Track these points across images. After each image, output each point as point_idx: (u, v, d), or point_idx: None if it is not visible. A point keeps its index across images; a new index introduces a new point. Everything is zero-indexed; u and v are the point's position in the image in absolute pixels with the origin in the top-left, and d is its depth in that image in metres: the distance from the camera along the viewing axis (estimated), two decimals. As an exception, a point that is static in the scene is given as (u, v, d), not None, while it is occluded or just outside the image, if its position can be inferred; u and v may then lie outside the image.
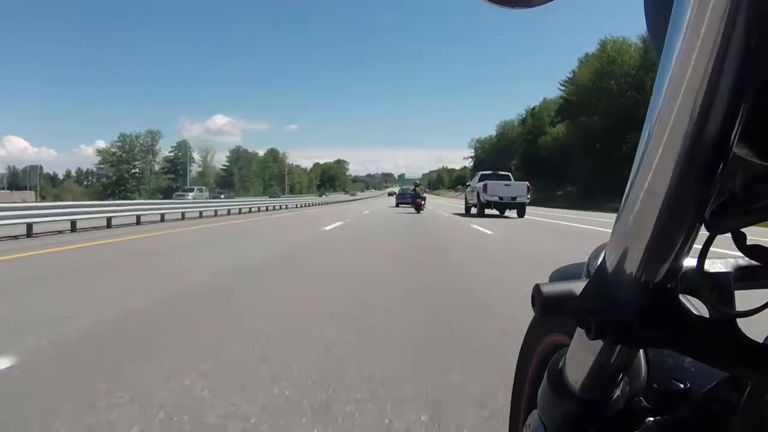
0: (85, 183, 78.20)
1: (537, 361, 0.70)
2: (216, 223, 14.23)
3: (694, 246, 0.36)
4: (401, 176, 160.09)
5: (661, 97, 0.32)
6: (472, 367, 2.23)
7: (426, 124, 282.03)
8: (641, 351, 0.48)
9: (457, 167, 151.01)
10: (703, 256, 0.38)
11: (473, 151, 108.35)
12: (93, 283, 4.36)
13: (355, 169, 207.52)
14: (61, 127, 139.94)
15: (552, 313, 0.42)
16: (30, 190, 30.42)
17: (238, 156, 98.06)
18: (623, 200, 0.37)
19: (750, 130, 0.32)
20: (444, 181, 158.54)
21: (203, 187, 47.75)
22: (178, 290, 3.96)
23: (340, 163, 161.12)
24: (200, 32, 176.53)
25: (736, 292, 0.42)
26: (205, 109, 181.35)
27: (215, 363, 2.22)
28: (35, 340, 2.53)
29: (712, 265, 0.43)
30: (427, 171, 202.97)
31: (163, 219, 14.28)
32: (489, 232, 10.88)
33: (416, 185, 24.04)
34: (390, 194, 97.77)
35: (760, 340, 0.39)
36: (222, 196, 48.96)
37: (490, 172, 21.58)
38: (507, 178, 20.01)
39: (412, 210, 21.83)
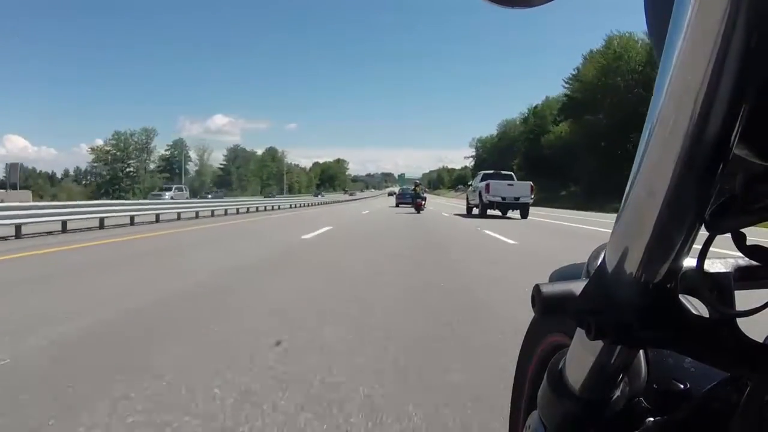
0: (83, 182, 77.71)
1: (537, 361, 0.70)
2: (181, 228, 11.76)
3: (694, 246, 0.36)
4: (401, 176, 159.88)
5: (662, 97, 0.32)
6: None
7: (426, 124, 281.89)
8: (641, 351, 0.48)
9: (458, 167, 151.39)
10: (703, 256, 0.38)
11: (474, 150, 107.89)
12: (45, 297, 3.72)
13: (354, 169, 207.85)
14: (61, 127, 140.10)
15: (552, 314, 0.42)
16: (9, 189, 28.92)
17: (236, 155, 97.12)
18: (623, 200, 0.37)
19: (750, 131, 0.32)
20: (444, 180, 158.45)
21: (183, 186, 43.82)
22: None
23: (340, 163, 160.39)
24: (200, 32, 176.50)
25: (736, 292, 0.42)
26: (205, 109, 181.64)
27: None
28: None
29: (712, 265, 0.43)
30: (427, 171, 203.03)
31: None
32: (510, 241, 8.76)
33: (416, 185, 24.01)
34: (390, 194, 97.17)
35: (760, 340, 0.39)
36: (210, 196, 46.73)
37: (492, 171, 21.11)
38: (510, 177, 19.63)
39: (412, 210, 21.78)
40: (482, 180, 18.79)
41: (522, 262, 6.17)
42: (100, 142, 77.89)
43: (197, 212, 17.14)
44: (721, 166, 0.32)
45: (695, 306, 0.40)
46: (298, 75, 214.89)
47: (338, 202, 50.85)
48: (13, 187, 30.33)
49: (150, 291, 3.96)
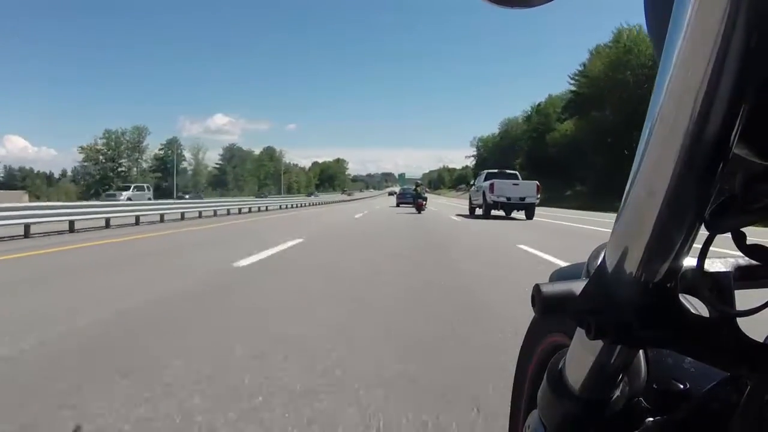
0: (82, 182, 74.67)
1: (537, 361, 0.70)
2: (104, 239, 8.62)
3: (694, 246, 0.36)
4: (401, 175, 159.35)
5: (662, 97, 0.32)
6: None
7: (426, 124, 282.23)
8: (641, 351, 0.48)
9: (458, 167, 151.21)
10: (702, 255, 0.38)
11: (475, 149, 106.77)
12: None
13: (354, 169, 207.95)
14: (61, 127, 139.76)
15: (552, 313, 0.42)
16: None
17: (232, 154, 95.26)
18: (623, 200, 0.37)
19: (750, 130, 0.32)
20: (445, 180, 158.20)
21: (145, 185, 38.33)
22: None
23: (339, 162, 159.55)
24: (200, 32, 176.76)
25: (736, 291, 0.42)
26: (205, 109, 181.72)
27: None
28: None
29: (712, 265, 0.43)
30: (427, 170, 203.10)
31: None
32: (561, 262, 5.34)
33: (417, 185, 23.97)
34: (390, 194, 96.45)
35: (760, 340, 0.39)
36: (187, 197, 43.10)
37: (496, 170, 20.46)
38: (515, 177, 19.02)
39: (413, 210, 21.74)
40: (486, 179, 18.13)
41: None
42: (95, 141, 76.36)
43: (162, 215, 14.35)
44: (721, 165, 0.32)
45: (695, 306, 0.40)
46: (298, 75, 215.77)
47: (333, 202, 46.73)
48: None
49: None
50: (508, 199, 16.54)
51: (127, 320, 3.01)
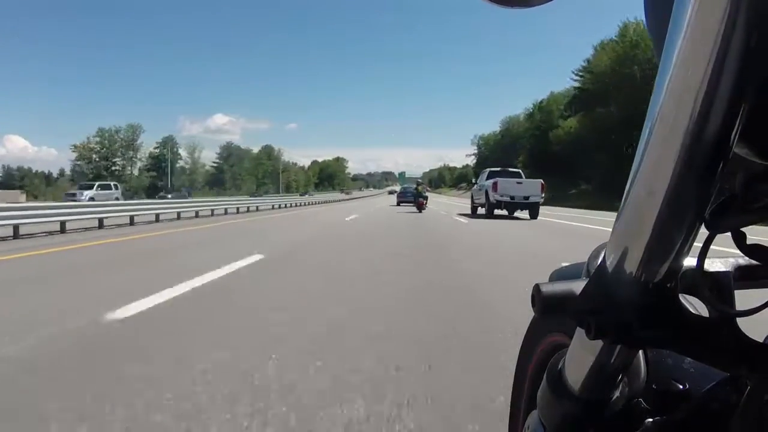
0: (75, 182, 74.86)
1: (537, 361, 0.70)
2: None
3: (694, 245, 0.36)
4: (401, 174, 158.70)
5: (662, 97, 0.32)
6: None
7: (426, 123, 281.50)
8: (641, 351, 0.48)
9: (458, 165, 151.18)
10: (702, 255, 0.38)
11: (476, 148, 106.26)
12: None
13: (355, 168, 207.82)
14: (62, 127, 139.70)
15: (552, 313, 0.42)
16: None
17: (230, 152, 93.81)
18: (623, 200, 0.37)
19: (750, 130, 0.32)
20: (445, 179, 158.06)
21: (112, 183, 33.63)
22: None
23: (339, 161, 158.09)
24: (200, 32, 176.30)
25: (736, 291, 0.42)
26: (206, 109, 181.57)
27: None
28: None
29: (712, 265, 0.43)
30: (427, 169, 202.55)
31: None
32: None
33: (418, 184, 23.97)
34: (390, 192, 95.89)
35: (760, 340, 0.39)
36: (169, 196, 39.20)
37: (499, 168, 19.89)
38: (518, 175, 18.54)
39: (414, 210, 21.74)
40: (488, 178, 17.55)
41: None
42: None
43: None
44: (721, 165, 0.32)
45: (695, 305, 0.40)
46: (299, 75, 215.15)
47: (329, 202, 43.68)
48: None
49: None
50: (512, 198, 16.03)
51: None
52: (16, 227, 8.77)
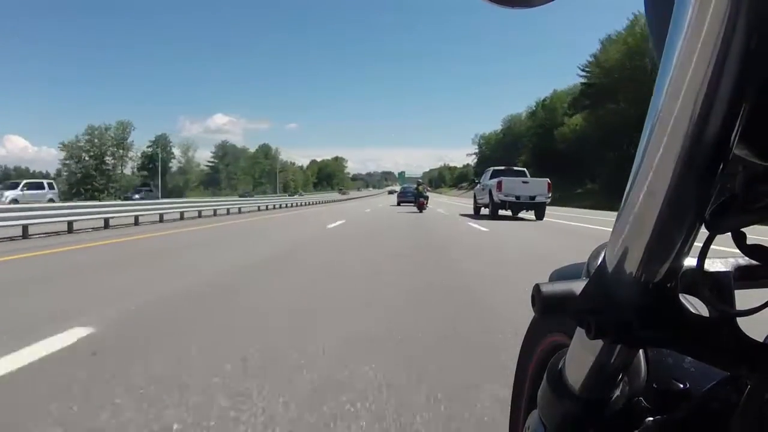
0: (65, 182, 68.30)
1: (537, 361, 0.70)
2: None
3: (694, 245, 0.36)
4: (401, 174, 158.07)
5: (662, 97, 0.32)
6: None
7: (426, 123, 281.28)
8: (641, 351, 0.48)
9: (459, 165, 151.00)
10: (703, 255, 0.38)
11: (477, 147, 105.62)
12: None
13: (354, 168, 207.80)
14: (62, 127, 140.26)
15: (552, 313, 0.42)
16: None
17: (225, 152, 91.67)
18: (623, 200, 0.37)
19: (750, 130, 0.32)
20: (446, 179, 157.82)
21: (45, 182, 27.37)
22: None
23: (338, 161, 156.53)
24: (200, 32, 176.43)
25: (736, 291, 0.42)
26: (206, 109, 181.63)
27: None
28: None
29: (712, 265, 0.43)
30: (427, 169, 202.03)
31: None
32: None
33: (419, 184, 23.98)
34: (390, 192, 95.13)
35: (760, 340, 0.39)
36: (137, 197, 34.65)
37: (503, 167, 19.28)
38: (523, 174, 17.90)
39: (414, 209, 21.73)
40: (492, 177, 16.93)
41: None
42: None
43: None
44: (721, 165, 0.32)
45: (695, 305, 0.40)
46: (298, 75, 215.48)
47: (320, 203, 39.67)
48: None
49: None
50: (517, 198, 15.34)
51: None
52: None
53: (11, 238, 8.44)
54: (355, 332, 2.73)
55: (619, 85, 40.31)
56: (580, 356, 0.46)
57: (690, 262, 0.39)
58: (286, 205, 30.61)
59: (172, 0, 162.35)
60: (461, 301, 3.73)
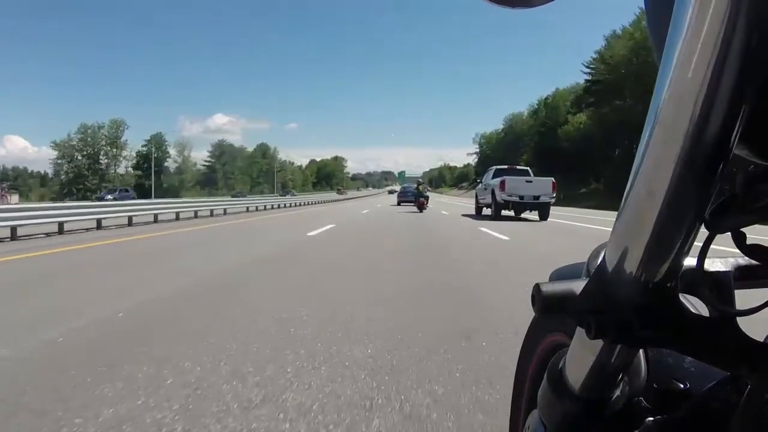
0: (56, 181, 67.90)
1: (537, 360, 0.70)
2: None
3: (694, 245, 0.36)
4: (401, 173, 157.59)
5: (662, 97, 0.32)
6: None
7: (426, 123, 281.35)
8: (641, 351, 0.48)
9: (459, 165, 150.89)
10: (703, 255, 0.38)
11: (477, 147, 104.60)
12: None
13: (354, 168, 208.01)
14: (62, 127, 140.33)
15: (552, 313, 0.42)
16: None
17: (222, 151, 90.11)
18: (623, 200, 0.37)
19: (750, 130, 0.32)
20: (446, 179, 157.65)
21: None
22: None
23: (338, 160, 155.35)
24: (200, 32, 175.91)
25: (736, 291, 0.42)
26: (206, 109, 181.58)
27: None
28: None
29: (712, 264, 0.43)
30: (427, 168, 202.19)
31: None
32: None
33: (419, 183, 24.00)
34: (390, 192, 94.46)
35: (760, 340, 0.39)
36: (109, 197, 33.16)
37: (506, 166, 18.70)
38: (526, 173, 17.23)
39: (415, 209, 21.74)
40: (495, 176, 16.43)
41: None
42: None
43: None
44: (721, 165, 0.32)
45: (695, 305, 0.40)
46: (298, 75, 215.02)
47: (314, 203, 36.89)
48: None
49: None
50: (521, 197, 14.85)
51: None
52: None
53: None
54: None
55: (625, 81, 39.30)
56: (580, 356, 0.46)
57: (690, 261, 0.39)
58: (279, 205, 28.59)
59: (172, 0, 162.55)
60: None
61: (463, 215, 18.10)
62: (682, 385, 0.46)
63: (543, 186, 15.14)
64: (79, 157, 65.72)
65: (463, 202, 36.70)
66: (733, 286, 0.42)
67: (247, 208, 23.06)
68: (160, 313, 3.25)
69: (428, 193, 24.21)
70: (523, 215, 16.10)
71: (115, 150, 69.26)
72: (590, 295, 0.41)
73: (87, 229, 10.89)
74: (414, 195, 24.82)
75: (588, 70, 49.84)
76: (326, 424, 1.65)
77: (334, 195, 68.99)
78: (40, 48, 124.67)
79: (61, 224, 10.10)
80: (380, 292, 3.99)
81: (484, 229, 11.18)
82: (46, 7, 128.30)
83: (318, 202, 39.28)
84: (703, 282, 0.39)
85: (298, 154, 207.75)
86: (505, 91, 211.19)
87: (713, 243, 0.36)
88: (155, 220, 13.84)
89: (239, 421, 1.65)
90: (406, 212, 20.20)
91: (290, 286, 4.23)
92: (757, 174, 0.35)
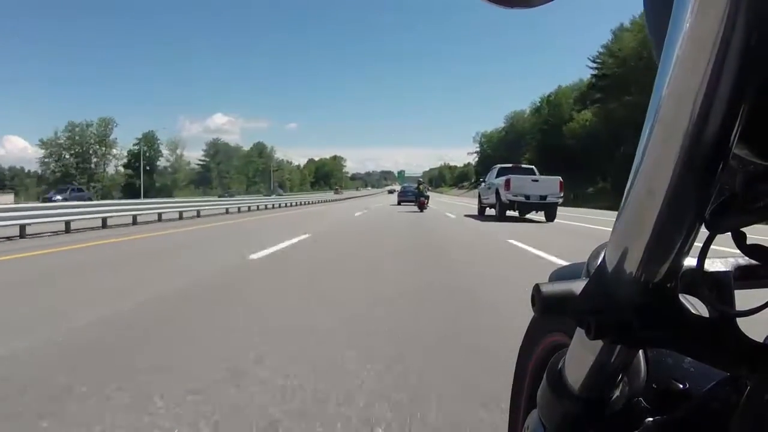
0: (42, 181, 64.39)
1: (537, 360, 0.70)
2: None
3: (694, 245, 0.36)
4: (401, 173, 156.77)
5: (662, 97, 0.32)
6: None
7: (426, 123, 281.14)
8: (641, 351, 0.48)
9: (459, 164, 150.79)
10: (703, 255, 0.38)
11: (478, 146, 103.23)
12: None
13: (354, 167, 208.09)
14: (61, 127, 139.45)
15: (552, 313, 0.42)
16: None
17: (217, 150, 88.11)
18: (623, 200, 0.37)
19: (750, 130, 0.32)
20: (446, 178, 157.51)
21: None
22: None
23: (336, 159, 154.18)
24: (200, 32, 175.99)
25: (736, 291, 0.42)
26: (205, 109, 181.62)
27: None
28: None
29: (712, 265, 0.43)
30: (427, 168, 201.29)
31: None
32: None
33: (419, 183, 24.07)
34: (390, 192, 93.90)
35: (760, 340, 0.39)
36: (59, 198, 29.39)
37: (510, 165, 17.90)
38: (531, 172, 16.44)
39: (415, 209, 21.77)
40: (499, 175, 15.74)
41: None
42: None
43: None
44: (721, 165, 0.32)
45: (695, 305, 0.40)
46: (298, 75, 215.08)
47: (306, 204, 34.37)
48: None
49: None
50: (527, 197, 14.14)
51: None
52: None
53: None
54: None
55: (635, 74, 37.75)
56: (580, 356, 0.46)
57: (690, 262, 0.39)
58: (267, 206, 25.79)
59: (172, 0, 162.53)
60: None
61: (466, 216, 17.50)
62: (681, 386, 0.46)
63: (550, 185, 14.47)
64: (67, 156, 63.82)
65: (464, 201, 35.76)
66: (733, 286, 0.42)
67: (227, 209, 20.55)
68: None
69: (429, 193, 24.25)
70: (528, 216, 15.50)
71: (104, 148, 66.93)
72: (590, 296, 0.41)
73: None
74: (414, 195, 24.87)
75: (594, 65, 48.82)
76: None
77: (328, 195, 64.59)
78: (40, 48, 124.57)
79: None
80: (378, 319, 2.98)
81: (514, 242, 7.88)
82: (46, 7, 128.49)
83: (308, 203, 36.19)
84: (703, 282, 0.39)
85: (298, 154, 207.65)
86: (505, 90, 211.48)
87: (713, 243, 0.36)
88: (104, 225, 11.37)
89: None
90: (406, 212, 20.09)
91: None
92: (757, 174, 0.35)
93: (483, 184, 18.29)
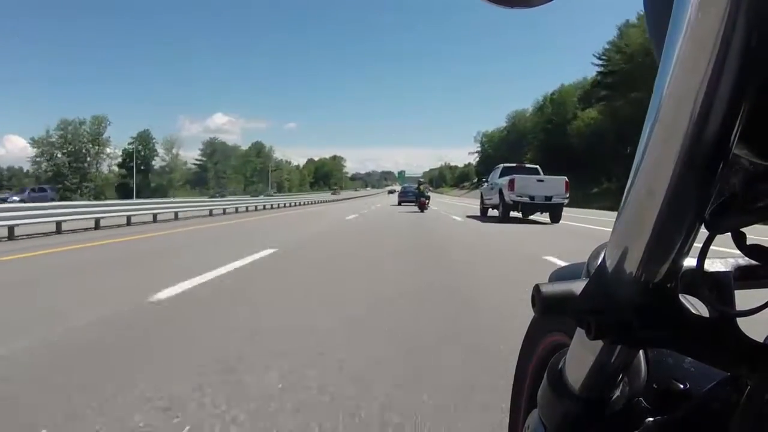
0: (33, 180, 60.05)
1: (537, 360, 0.70)
2: None
3: (694, 245, 0.36)
4: (401, 173, 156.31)
5: (662, 97, 0.32)
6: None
7: (426, 123, 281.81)
8: (641, 351, 0.48)
9: (459, 165, 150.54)
10: (703, 255, 0.38)
11: (479, 146, 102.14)
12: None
13: (353, 168, 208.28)
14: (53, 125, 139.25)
15: (552, 313, 0.42)
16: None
17: (214, 149, 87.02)
18: (623, 200, 0.37)
19: (750, 130, 0.32)
20: (446, 178, 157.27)
21: None
22: None
23: (336, 159, 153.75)
24: (200, 32, 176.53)
25: (736, 291, 0.42)
26: (205, 109, 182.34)
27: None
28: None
29: (712, 265, 0.43)
30: (427, 168, 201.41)
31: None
32: None
33: (420, 183, 24.09)
34: (390, 192, 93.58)
35: (760, 340, 0.39)
36: (16, 199, 28.54)
37: (514, 164, 17.53)
38: (536, 171, 15.96)
39: (416, 209, 21.78)
40: (502, 175, 15.37)
41: None
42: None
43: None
44: (721, 165, 0.32)
45: (695, 305, 0.40)
46: (298, 75, 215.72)
47: (299, 205, 32.79)
48: None
49: None
50: (532, 198, 13.76)
51: None
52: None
53: None
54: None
55: (642, 70, 36.51)
56: (580, 356, 0.46)
57: (690, 262, 0.39)
58: (262, 207, 24.74)
59: (172, 0, 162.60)
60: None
61: (468, 217, 16.65)
62: (682, 386, 0.46)
63: (555, 186, 14.05)
64: (59, 155, 61.91)
65: (466, 202, 34.98)
66: (733, 286, 0.42)
67: (210, 211, 19.17)
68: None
69: (429, 193, 24.25)
70: (531, 217, 15.20)
71: (97, 147, 64.99)
72: (590, 296, 0.41)
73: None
74: (415, 195, 24.87)
75: (599, 62, 47.91)
76: None
77: (324, 195, 61.48)
78: (40, 48, 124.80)
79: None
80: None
81: (550, 258, 5.86)
82: (46, 7, 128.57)
83: (300, 204, 34.04)
84: (703, 282, 0.39)
85: (298, 154, 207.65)
86: (505, 90, 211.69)
87: (713, 243, 0.36)
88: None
89: None
90: (407, 212, 20.04)
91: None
92: (757, 174, 0.35)
93: (485, 184, 17.89)
